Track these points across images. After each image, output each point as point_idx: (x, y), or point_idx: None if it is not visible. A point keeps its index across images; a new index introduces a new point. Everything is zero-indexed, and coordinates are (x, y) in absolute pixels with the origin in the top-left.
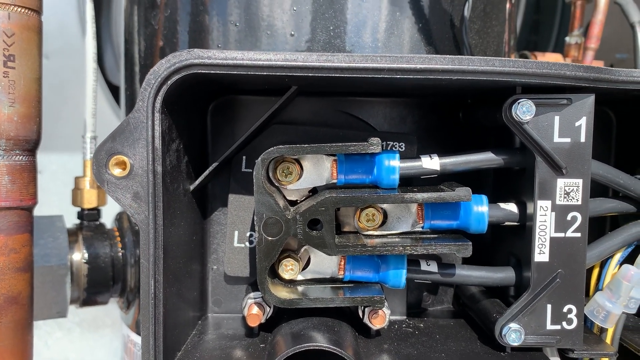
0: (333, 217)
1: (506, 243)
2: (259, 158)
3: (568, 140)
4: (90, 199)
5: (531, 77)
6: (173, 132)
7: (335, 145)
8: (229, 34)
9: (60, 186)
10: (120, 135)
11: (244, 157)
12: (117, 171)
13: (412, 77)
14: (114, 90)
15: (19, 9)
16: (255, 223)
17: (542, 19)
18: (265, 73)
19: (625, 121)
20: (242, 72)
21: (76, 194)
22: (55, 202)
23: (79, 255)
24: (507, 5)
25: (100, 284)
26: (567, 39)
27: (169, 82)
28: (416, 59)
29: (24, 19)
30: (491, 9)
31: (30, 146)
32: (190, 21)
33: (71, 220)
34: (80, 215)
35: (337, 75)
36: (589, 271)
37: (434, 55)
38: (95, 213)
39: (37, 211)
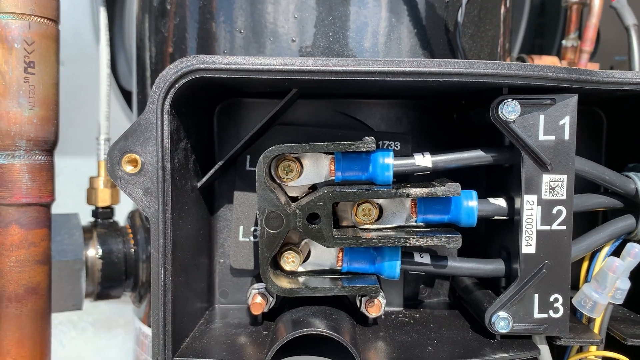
0: (330, 211)
1: (497, 236)
2: (261, 156)
3: (552, 138)
4: (104, 198)
5: (514, 78)
6: (181, 132)
7: (332, 144)
8: (234, 41)
9: (74, 189)
10: (132, 135)
11: (248, 157)
12: (129, 168)
13: (402, 79)
14: (126, 95)
15: (39, 19)
16: (258, 217)
17: (547, 23)
18: (265, 77)
19: (615, 121)
20: (244, 76)
21: (90, 193)
22: (70, 204)
23: (94, 251)
24: (502, 10)
25: (113, 278)
26: (564, 42)
27: (176, 85)
28: (405, 63)
29: (43, 28)
30: (485, 14)
31: (49, 146)
32: (198, 29)
33: (86, 218)
34: (95, 214)
35: (332, 78)
36: (579, 263)
37: (422, 59)
38: (108, 211)
39: (54, 212)
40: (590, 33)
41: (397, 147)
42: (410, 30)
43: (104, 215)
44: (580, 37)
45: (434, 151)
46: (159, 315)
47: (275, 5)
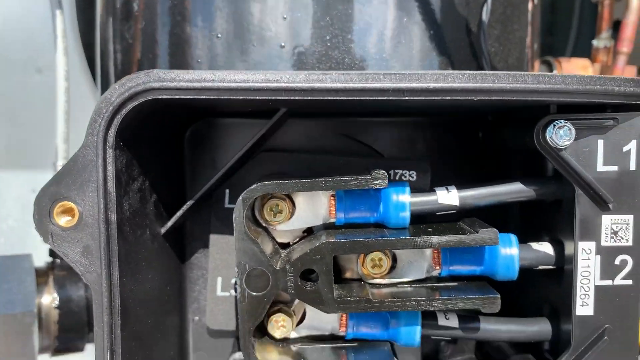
0: (331, 267)
1: (539, 288)
2: (240, 197)
3: (615, 168)
4: None
5: (572, 95)
6: (134, 170)
7: (332, 180)
8: (212, 47)
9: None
10: (67, 177)
11: (227, 191)
12: (63, 220)
13: (424, 97)
14: None
15: None
16: (236, 276)
17: (558, 20)
18: (241, 97)
19: None
20: (213, 97)
21: None
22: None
23: (49, 299)
24: (529, 6)
25: (73, 330)
26: (595, 42)
27: (123, 110)
28: (429, 77)
29: None
30: (512, 11)
31: None
32: (168, 33)
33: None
34: (52, 253)
35: (331, 98)
36: None
37: (451, 72)
38: None
39: (21, 233)
40: (628, 32)
41: (412, 177)
42: (424, 31)
43: None
44: (613, 36)
45: (456, 178)
46: None
47: (261, 4)
